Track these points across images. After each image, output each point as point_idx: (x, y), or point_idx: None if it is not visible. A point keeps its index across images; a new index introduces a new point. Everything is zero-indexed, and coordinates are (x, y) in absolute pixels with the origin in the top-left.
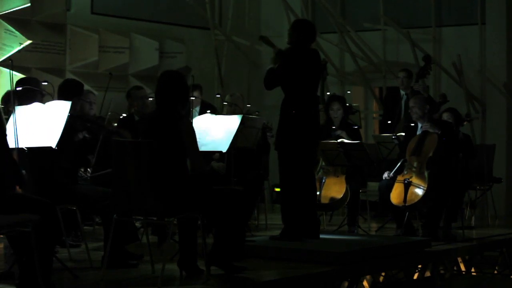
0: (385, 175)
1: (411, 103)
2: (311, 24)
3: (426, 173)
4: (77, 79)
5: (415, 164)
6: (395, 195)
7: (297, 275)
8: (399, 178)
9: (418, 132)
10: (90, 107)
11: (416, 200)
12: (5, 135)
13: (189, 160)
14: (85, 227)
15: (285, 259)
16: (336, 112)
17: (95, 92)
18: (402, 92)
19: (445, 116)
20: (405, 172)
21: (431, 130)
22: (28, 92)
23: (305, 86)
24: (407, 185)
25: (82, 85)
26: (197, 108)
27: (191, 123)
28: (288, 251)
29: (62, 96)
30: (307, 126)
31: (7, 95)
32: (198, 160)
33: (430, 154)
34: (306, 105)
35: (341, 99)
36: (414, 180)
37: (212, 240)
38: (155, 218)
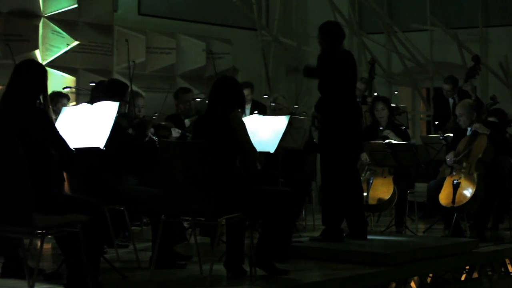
0: (449, 157)
1: (458, 111)
2: (336, 24)
3: (475, 174)
4: (124, 80)
5: (464, 165)
6: (444, 196)
7: (343, 277)
8: (448, 178)
9: (468, 133)
10: (138, 111)
11: (464, 201)
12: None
13: (244, 152)
14: (133, 228)
15: (332, 260)
16: (381, 112)
17: (143, 93)
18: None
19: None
20: (454, 173)
21: (480, 131)
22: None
23: (342, 87)
24: (456, 186)
25: (127, 86)
26: (248, 106)
27: (239, 115)
28: (335, 252)
29: (106, 96)
30: (348, 127)
31: (54, 95)
32: (253, 151)
33: (480, 155)
34: (345, 106)
35: (385, 99)
36: (463, 181)
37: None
38: (203, 219)
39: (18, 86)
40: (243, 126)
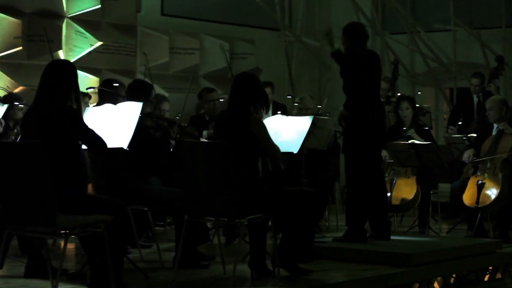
0: (466, 154)
1: (488, 105)
2: (360, 25)
3: (500, 175)
4: (148, 80)
5: (488, 165)
6: (468, 196)
7: (367, 277)
8: (472, 179)
9: (494, 133)
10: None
11: (488, 202)
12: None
13: (266, 152)
14: (156, 228)
15: (355, 261)
16: (405, 111)
17: (166, 94)
18: (474, 95)
19: None
20: (478, 173)
21: (507, 131)
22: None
23: (367, 88)
24: (480, 187)
25: (151, 86)
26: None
27: (259, 119)
28: (358, 252)
29: (130, 97)
30: (373, 128)
31: None
32: (275, 152)
33: (505, 156)
34: (369, 106)
35: (410, 99)
36: (488, 181)
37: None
38: (226, 219)
39: (49, 86)
40: (263, 130)
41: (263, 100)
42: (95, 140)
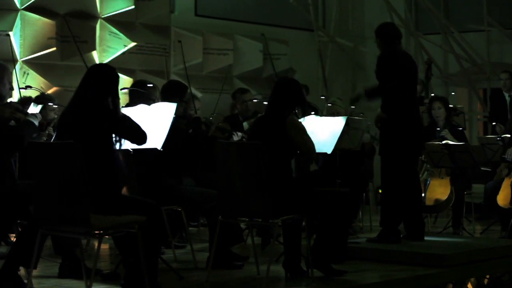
0: (510, 152)
1: None
2: (391, 24)
3: None
4: (182, 81)
5: None
6: (502, 197)
7: (400, 278)
8: (507, 180)
9: None
10: (195, 113)
11: None
12: (112, 137)
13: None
14: (190, 228)
15: (389, 261)
16: (438, 111)
17: (200, 94)
18: (506, 94)
19: None
20: None
21: None
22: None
23: (402, 88)
24: None
25: (186, 87)
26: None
27: (295, 121)
28: (392, 253)
29: (165, 97)
30: (410, 129)
31: None
32: (309, 151)
33: None
34: (406, 108)
35: (442, 99)
36: None
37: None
38: (260, 220)
39: (88, 88)
40: (299, 130)
41: (302, 105)
42: (135, 130)
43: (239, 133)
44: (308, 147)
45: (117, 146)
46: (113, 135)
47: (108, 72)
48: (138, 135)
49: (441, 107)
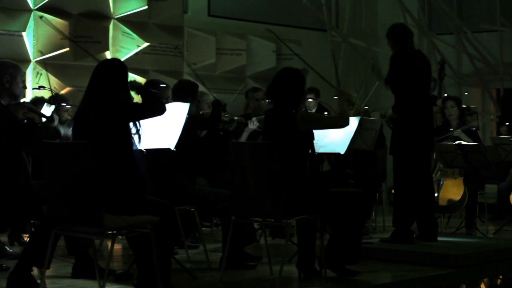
0: None
1: None
2: (401, 24)
3: None
4: (195, 81)
5: None
6: None
7: (413, 278)
8: None
9: None
10: (208, 107)
11: None
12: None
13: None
14: (203, 228)
15: (401, 262)
16: (450, 110)
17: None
18: None
19: None
20: None
21: None
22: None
23: (414, 88)
24: None
25: (197, 86)
26: (314, 111)
27: (303, 112)
28: (405, 253)
29: (177, 97)
30: (422, 128)
31: None
32: (337, 124)
33: None
34: (418, 107)
35: (455, 99)
36: None
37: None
38: (273, 220)
39: (97, 85)
40: (314, 119)
41: (300, 95)
42: (153, 104)
43: (255, 122)
44: (335, 122)
45: (137, 139)
46: (131, 128)
47: (113, 65)
48: (157, 105)
49: (454, 106)
